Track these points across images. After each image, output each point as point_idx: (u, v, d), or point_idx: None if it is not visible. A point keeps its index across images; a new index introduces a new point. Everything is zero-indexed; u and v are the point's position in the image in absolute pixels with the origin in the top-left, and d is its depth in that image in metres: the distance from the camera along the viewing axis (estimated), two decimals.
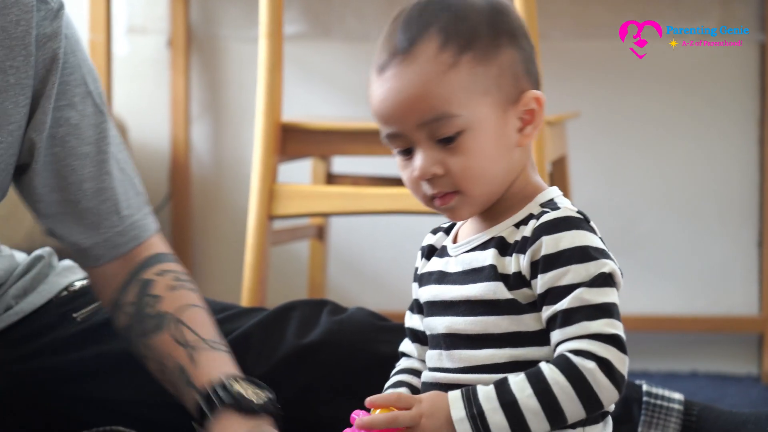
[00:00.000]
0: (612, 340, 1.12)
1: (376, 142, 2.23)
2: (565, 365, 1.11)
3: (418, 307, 1.29)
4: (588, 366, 1.10)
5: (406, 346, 1.32)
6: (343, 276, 2.97)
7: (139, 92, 3.00)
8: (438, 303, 1.23)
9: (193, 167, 3.01)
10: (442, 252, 1.26)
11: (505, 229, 1.20)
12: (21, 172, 1.47)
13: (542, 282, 1.14)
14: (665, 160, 2.92)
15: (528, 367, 1.14)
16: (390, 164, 2.78)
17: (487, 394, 1.12)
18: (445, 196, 1.19)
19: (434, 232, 1.30)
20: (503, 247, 1.18)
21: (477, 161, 1.17)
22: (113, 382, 1.55)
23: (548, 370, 1.12)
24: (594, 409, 1.12)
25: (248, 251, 2.16)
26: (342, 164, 2.80)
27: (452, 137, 1.17)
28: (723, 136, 2.91)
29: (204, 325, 1.46)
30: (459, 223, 1.27)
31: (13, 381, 1.56)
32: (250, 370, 1.44)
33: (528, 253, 1.15)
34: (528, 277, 1.16)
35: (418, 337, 1.30)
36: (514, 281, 1.17)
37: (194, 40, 2.98)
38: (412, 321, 1.31)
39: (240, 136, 2.97)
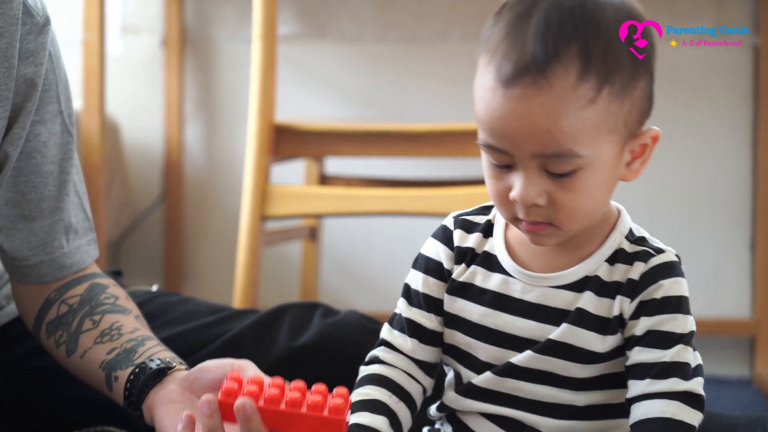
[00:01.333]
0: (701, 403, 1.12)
1: (369, 143, 2.24)
2: None
3: (428, 304, 1.19)
4: None
5: (397, 338, 1.20)
6: (336, 277, 2.97)
7: (132, 92, 2.99)
8: (497, 332, 1.15)
9: (186, 167, 3.00)
10: (490, 263, 1.17)
11: (597, 267, 1.14)
12: None
13: (645, 324, 1.11)
14: (659, 161, 2.91)
15: (586, 413, 1.14)
16: (383, 165, 2.79)
17: None
18: (537, 225, 1.10)
19: (466, 229, 1.19)
20: (601, 288, 1.13)
21: (585, 201, 1.09)
22: None
23: None
24: None
25: (241, 252, 2.16)
26: (335, 165, 2.79)
27: (567, 173, 1.08)
28: (716, 139, 2.91)
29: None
30: (502, 223, 1.18)
31: (6, 382, 1.56)
32: None
33: (638, 296, 1.11)
34: (627, 317, 1.12)
35: (421, 332, 1.20)
36: (613, 325, 1.12)
37: (188, 41, 2.98)
38: (411, 313, 1.20)
39: (233, 137, 2.96)
